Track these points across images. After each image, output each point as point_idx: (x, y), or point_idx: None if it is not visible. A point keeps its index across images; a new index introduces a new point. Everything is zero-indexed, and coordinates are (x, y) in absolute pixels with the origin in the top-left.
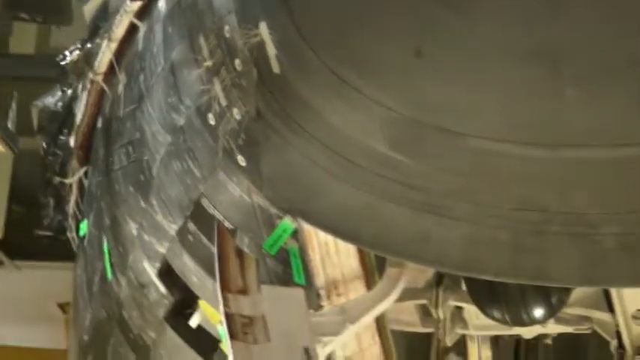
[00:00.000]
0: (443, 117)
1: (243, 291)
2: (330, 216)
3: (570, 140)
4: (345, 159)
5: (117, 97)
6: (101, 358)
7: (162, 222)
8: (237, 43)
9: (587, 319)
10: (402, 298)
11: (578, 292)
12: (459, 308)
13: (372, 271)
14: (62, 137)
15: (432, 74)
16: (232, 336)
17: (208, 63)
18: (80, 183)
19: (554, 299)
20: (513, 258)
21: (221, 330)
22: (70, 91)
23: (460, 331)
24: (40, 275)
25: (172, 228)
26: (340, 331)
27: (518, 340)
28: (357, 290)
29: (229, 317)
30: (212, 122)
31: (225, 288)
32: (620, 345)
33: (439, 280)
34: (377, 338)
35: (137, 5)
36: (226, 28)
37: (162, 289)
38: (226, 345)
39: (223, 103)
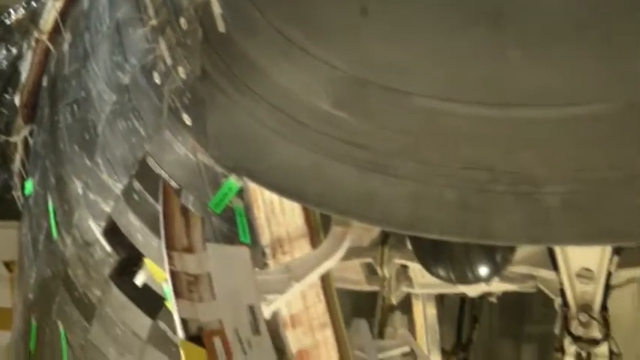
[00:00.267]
0: (388, 76)
1: (189, 249)
2: (276, 174)
3: (517, 100)
4: (291, 118)
5: (62, 55)
6: (46, 316)
7: (108, 181)
8: (183, 2)
9: (531, 277)
10: (347, 256)
11: (522, 251)
12: (405, 267)
13: (318, 229)
14: (7, 96)
15: (377, 33)
16: (178, 294)
17: (153, 22)
18: (25, 142)
19: (498, 257)
20: (459, 217)
21: (166, 288)
22: (15, 50)
23: (405, 290)
24: None
25: (117, 187)
26: (285, 289)
27: (463, 298)
28: (302, 249)
29: (174, 275)
30: (157, 81)
31: (170, 246)
32: (565, 303)
33: (384, 238)
34: (322, 296)
35: None
36: None
37: (107, 247)
38: (172, 303)
39: (169, 62)
